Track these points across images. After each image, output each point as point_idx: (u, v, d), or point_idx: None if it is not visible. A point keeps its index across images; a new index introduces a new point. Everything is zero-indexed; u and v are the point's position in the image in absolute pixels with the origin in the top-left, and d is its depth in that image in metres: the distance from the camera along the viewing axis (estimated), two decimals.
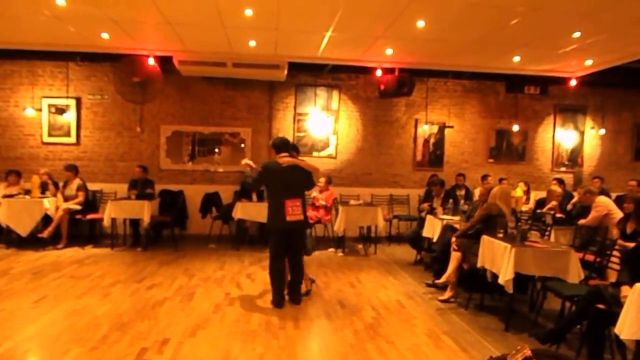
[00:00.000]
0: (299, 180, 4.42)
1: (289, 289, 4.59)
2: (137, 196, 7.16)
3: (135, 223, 7.41)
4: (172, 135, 8.30)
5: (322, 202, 7.44)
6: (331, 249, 7.43)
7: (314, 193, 7.56)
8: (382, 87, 7.75)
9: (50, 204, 7.04)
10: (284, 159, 4.45)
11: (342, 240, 7.32)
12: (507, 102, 8.84)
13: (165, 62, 7.26)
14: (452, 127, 8.69)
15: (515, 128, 8.74)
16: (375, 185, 8.66)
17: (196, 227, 8.10)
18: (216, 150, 8.28)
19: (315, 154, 8.60)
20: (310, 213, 7.44)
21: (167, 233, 7.78)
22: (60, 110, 7.91)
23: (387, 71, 7.50)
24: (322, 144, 8.56)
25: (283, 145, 4.50)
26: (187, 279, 5.45)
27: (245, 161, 4.63)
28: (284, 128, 8.55)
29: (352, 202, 7.47)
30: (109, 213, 6.86)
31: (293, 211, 4.36)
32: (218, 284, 5.23)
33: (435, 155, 8.79)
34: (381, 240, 8.09)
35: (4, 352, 3.38)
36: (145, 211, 6.87)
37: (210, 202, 7.83)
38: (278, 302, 4.43)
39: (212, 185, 8.09)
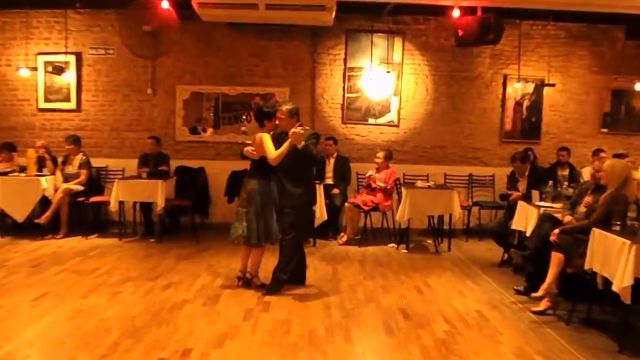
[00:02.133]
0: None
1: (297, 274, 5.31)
2: (149, 174, 7.39)
3: (147, 208, 7.68)
4: (190, 98, 8.51)
5: (380, 184, 7.47)
6: (391, 245, 7.47)
7: (370, 172, 7.57)
8: (459, 32, 7.53)
9: (48, 184, 7.40)
10: (302, 129, 4.91)
11: (405, 233, 7.34)
12: (628, 52, 8.46)
13: (182, 6, 7.36)
14: (552, 85, 8.42)
15: (639, 87, 8.34)
16: (450, 162, 8.59)
17: (221, 213, 8.31)
18: (244, 116, 8.43)
19: (371, 120, 8.59)
20: (365, 197, 7.50)
21: (186, 221, 8.03)
22: (58, 69, 8.25)
23: (467, 11, 7.26)
24: (381, 108, 8.54)
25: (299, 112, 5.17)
26: (210, 278, 5.61)
27: (296, 129, 4.78)
28: (331, 87, 8.57)
29: (420, 183, 7.45)
30: (115, 195, 7.15)
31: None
32: (249, 284, 5.38)
33: (529, 123, 8.58)
34: (457, 234, 8.05)
35: (4, 355, 3.63)
36: (159, 193, 7.10)
37: (239, 182, 7.93)
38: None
39: (240, 161, 8.24)
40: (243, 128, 5.33)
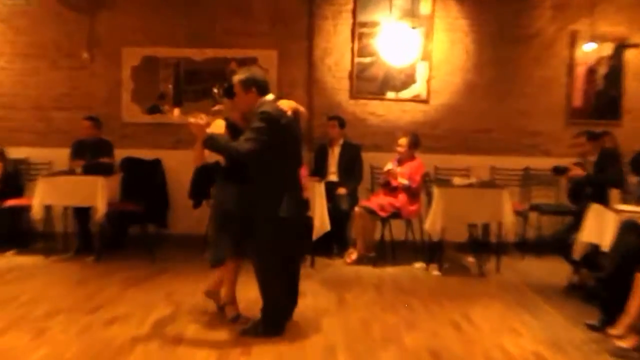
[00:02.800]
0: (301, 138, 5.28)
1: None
2: (86, 169, 7.42)
3: (82, 215, 7.70)
4: (142, 66, 8.54)
5: (403, 181, 7.47)
6: (418, 264, 7.49)
7: (389, 164, 7.58)
8: None
9: None
10: (287, 102, 4.97)
11: (438, 247, 7.35)
12: None
13: None
14: (637, 46, 8.44)
15: None
16: (499, 150, 8.62)
17: (184, 222, 8.32)
18: (216, 90, 8.36)
19: (390, 94, 8.61)
20: (383, 200, 7.52)
21: (137, 232, 8.04)
22: None
23: None
24: (404, 77, 8.57)
25: (267, 83, 5.02)
26: (170, 310, 5.61)
27: (194, 118, 4.86)
28: (336, 49, 8.60)
29: (457, 180, 7.45)
30: (40, 198, 7.16)
31: (306, 185, 5.35)
32: (222, 318, 5.37)
33: (606, 97, 8.61)
34: (508, 249, 8.06)
35: None
36: (98, 195, 7.11)
37: (208, 179, 7.94)
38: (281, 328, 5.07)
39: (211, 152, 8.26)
40: (216, 107, 5.27)
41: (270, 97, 4.92)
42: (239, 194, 4.98)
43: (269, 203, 4.84)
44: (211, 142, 4.77)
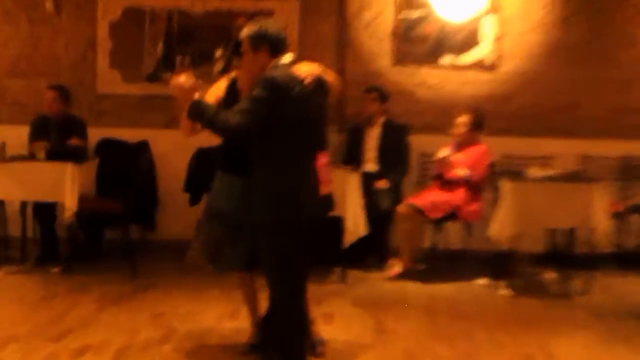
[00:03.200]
0: (324, 116, 5.13)
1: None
2: (50, 153, 7.43)
3: (46, 214, 7.77)
4: (123, 20, 8.58)
5: (463, 172, 7.41)
6: (482, 280, 7.49)
7: (444, 150, 7.49)
8: None
9: None
10: (308, 66, 4.81)
11: (508, 259, 7.33)
12: None
13: None
14: None
15: None
16: (589, 133, 8.56)
17: (178, 223, 8.30)
18: (218, 52, 8.34)
19: (446, 59, 8.59)
20: (435, 196, 7.49)
21: (116, 237, 8.04)
22: None
23: None
24: (464, 36, 8.56)
25: (284, 40, 4.85)
26: (158, 336, 5.59)
27: (181, 80, 4.75)
28: (374, 2, 8.55)
29: (534, 172, 7.39)
30: None
31: (327, 176, 5.01)
32: (224, 347, 5.37)
33: None
34: (601, 263, 7.98)
35: None
36: (67, 187, 7.14)
37: (208, 168, 7.93)
38: None
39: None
40: (219, 65, 5.20)
41: (287, 58, 4.80)
42: (235, 190, 5.00)
43: (268, 202, 4.72)
44: (195, 110, 4.62)
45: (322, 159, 5.02)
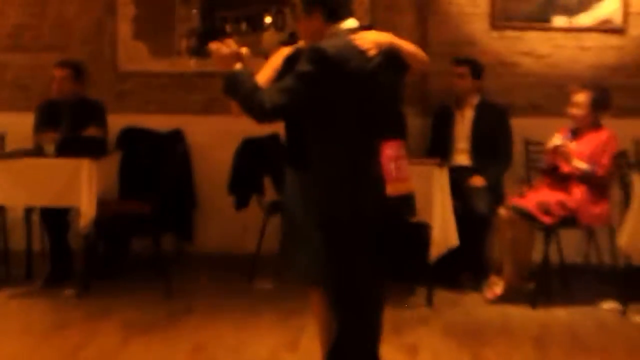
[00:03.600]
0: (398, 97, 5.06)
1: None
2: (62, 146, 7.52)
3: (58, 222, 7.85)
4: None
5: (582, 165, 7.35)
6: (608, 303, 7.41)
7: (556, 137, 7.45)
8: None
9: None
10: (374, 35, 4.79)
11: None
12: None
13: None
14: None
15: None
16: None
17: (221, 232, 8.49)
18: (267, 19, 8.57)
19: (558, 21, 8.57)
20: (546, 196, 7.47)
21: (144, 249, 8.18)
22: None
23: None
24: None
25: (344, 2, 4.85)
26: None
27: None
28: None
29: None
30: None
31: (399, 173, 4.85)
32: None
33: None
34: None
35: None
36: (83, 189, 7.20)
37: (257, 163, 8.08)
38: None
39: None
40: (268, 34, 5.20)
41: (349, 24, 4.83)
42: (292, 185, 5.08)
43: (319, 198, 4.79)
44: (230, 83, 4.65)
45: (389, 150, 5.03)
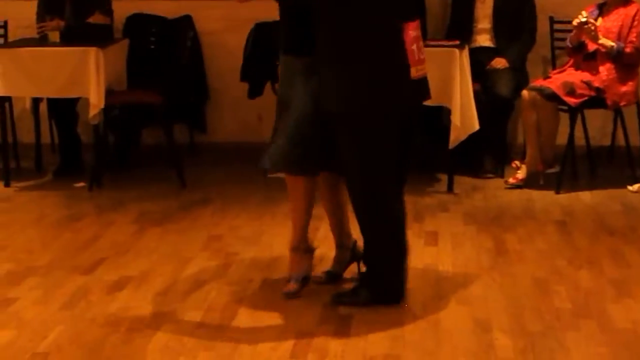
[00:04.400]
0: None
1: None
2: (67, 34, 7.52)
3: (66, 113, 7.88)
4: None
5: (609, 43, 7.23)
6: (636, 186, 7.41)
7: (583, 14, 7.30)
8: None
9: None
10: None
11: None
12: None
13: None
14: None
15: None
16: None
17: (234, 121, 8.52)
18: None
19: None
20: (572, 76, 7.39)
21: (156, 140, 8.22)
22: None
23: None
24: None
25: None
26: (213, 265, 5.70)
27: None
28: None
29: None
30: None
31: (420, 54, 4.95)
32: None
33: None
34: None
35: None
36: (91, 78, 7.17)
37: (270, 49, 7.87)
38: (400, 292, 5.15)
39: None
40: None
41: None
42: (295, 73, 4.99)
43: (343, 86, 4.76)
44: None
45: (411, 31, 4.93)
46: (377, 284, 5.02)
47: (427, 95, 5.12)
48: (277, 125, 5.17)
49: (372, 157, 4.81)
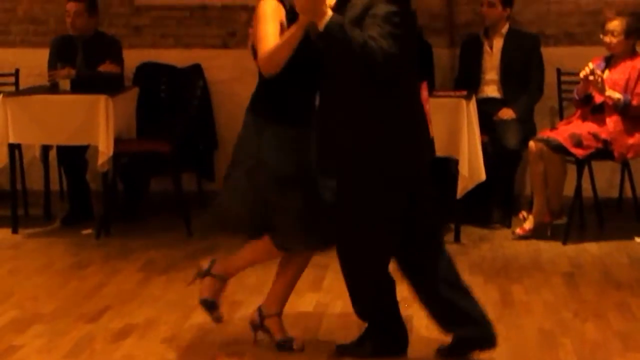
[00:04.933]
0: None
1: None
2: (77, 84, 7.53)
3: (75, 161, 7.88)
4: None
5: (616, 95, 7.23)
6: None
7: (589, 66, 7.31)
8: None
9: None
10: None
11: None
12: None
13: None
14: None
15: None
16: None
17: None
18: None
19: None
20: (579, 128, 7.36)
21: (164, 188, 8.19)
22: None
23: None
24: None
25: None
26: (220, 309, 5.62)
27: None
28: None
29: None
30: (3, 132, 7.29)
31: (430, 113, 5.04)
32: (305, 326, 5.44)
33: None
34: None
35: None
36: (101, 126, 7.19)
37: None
38: None
39: None
40: None
41: None
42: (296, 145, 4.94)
43: (367, 149, 4.70)
44: (334, 29, 4.45)
45: (424, 91, 4.98)
46: (381, 335, 5.03)
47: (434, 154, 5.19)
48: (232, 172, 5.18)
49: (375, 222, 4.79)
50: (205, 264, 5.32)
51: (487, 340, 4.91)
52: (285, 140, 4.93)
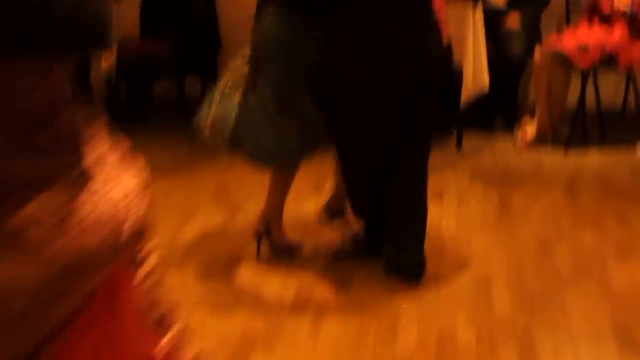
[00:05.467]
0: None
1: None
2: None
3: (78, 63, 7.82)
4: None
5: (623, 7, 7.23)
6: None
7: None
8: None
9: None
10: None
11: None
12: None
13: None
14: None
15: None
16: None
17: None
18: None
19: None
20: (586, 37, 7.34)
21: (167, 90, 8.24)
22: None
23: None
24: None
25: None
26: (221, 215, 5.78)
27: None
28: None
29: None
30: None
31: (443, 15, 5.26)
32: (306, 225, 5.50)
33: None
34: None
35: None
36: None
37: None
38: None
39: None
40: None
41: None
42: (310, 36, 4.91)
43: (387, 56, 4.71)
44: None
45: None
46: (375, 234, 5.09)
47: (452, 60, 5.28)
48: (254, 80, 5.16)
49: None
50: (260, 227, 5.25)
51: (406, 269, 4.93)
52: (286, 23, 4.96)
